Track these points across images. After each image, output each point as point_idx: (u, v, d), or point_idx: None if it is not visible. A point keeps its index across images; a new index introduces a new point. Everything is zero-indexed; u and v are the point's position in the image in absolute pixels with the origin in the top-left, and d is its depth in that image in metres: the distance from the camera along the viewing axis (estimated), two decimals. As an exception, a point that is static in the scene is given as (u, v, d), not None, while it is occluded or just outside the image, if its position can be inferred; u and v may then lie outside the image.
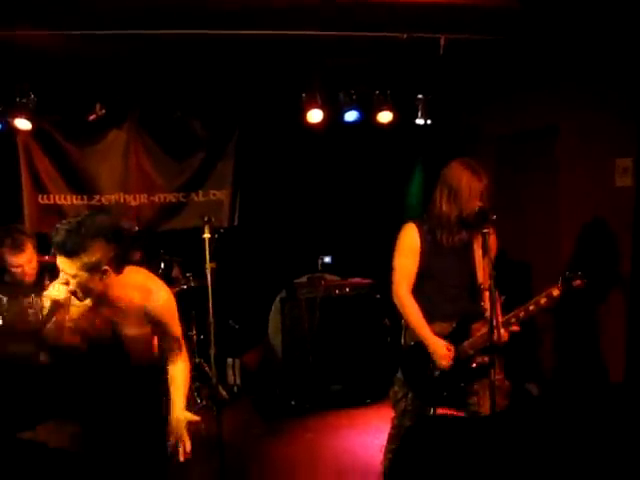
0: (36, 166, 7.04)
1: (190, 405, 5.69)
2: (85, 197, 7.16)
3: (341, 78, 6.67)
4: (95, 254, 3.05)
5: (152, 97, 6.88)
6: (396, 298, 3.90)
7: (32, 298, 4.03)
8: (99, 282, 3.14)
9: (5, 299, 3.76)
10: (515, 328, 3.67)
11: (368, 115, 6.89)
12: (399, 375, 3.98)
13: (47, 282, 4.32)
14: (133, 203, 7.18)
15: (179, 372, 3.54)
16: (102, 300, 3.26)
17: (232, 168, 7.40)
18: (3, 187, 6.98)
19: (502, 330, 3.53)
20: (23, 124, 6.45)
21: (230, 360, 6.90)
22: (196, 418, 3.45)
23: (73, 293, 3.15)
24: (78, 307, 3.29)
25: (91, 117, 6.62)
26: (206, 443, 5.53)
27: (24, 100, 6.32)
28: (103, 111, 6.60)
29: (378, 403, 6.26)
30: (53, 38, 4.71)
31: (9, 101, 6.35)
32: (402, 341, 4.02)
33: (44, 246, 5.52)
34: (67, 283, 3.12)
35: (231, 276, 5.57)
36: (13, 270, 4.68)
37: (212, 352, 4.73)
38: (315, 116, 6.74)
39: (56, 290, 3.16)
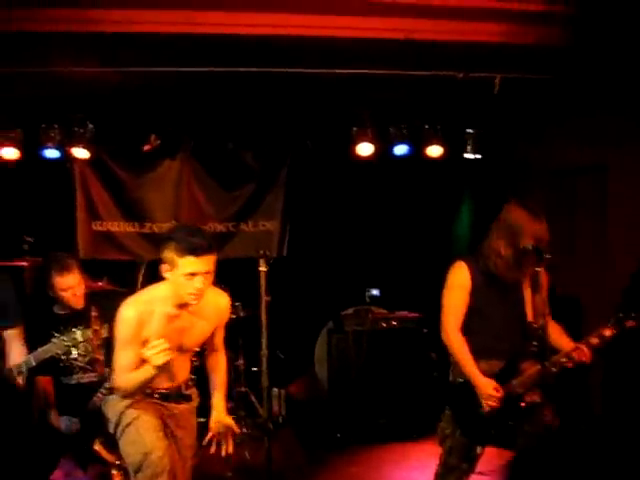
0: (91, 193, 7.21)
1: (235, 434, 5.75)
2: (137, 225, 7.29)
3: (391, 112, 6.72)
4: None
5: (205, 129, 7.02)
6: (445, 335, 3.89)
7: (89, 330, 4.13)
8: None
9: (79, 332, 3.86)
10: (568, 365, 3.66)
11: (418, 149, 6.93)
12: (447, 412, 3.96)
13: (94, 313, 4.42)
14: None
15: (221, 373, 3.92)
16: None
17: (282, 199, 7.47)
18: (58, 214, 7.17)
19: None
20: (81, 153, 6.65)
21: (275, 390, 6.89)
22: (234, 426, 3.80)
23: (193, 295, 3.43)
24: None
25: (146, 147, 6.79)
26: (250, 472, 5.57)
27: (82, 130, 6.52)
28: (158, 142, 6.77)
29: (424, 439, 6.18)
30: (111, 73, 4.84)
31: (68, 131, 6.54)
32: (450, 377, 4.01)
33: (95, 273, 5.67)
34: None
35: (277, 306, 5.60)
36: (62, 294, 4.75)
37: (265, 384, 4.74)
38: (365, 149, 6.79)
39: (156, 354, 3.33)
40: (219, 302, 3.77)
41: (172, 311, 3.51)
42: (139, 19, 3.64)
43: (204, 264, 3.37)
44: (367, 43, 4.24)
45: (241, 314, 6.28)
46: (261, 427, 6.36)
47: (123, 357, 3.46)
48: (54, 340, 3.82)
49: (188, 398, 3.80)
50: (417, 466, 5.59)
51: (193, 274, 3.36)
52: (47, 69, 4.56)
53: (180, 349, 3.60)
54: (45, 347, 3.80)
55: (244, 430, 6.16)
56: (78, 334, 3.85)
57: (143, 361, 3.36)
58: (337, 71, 4.83)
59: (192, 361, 3.95)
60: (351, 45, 4.27)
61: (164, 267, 3.45)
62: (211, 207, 7.35)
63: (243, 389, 6.46)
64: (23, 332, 3.97)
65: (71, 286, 4.74)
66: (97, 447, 4.47)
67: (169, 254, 3.38)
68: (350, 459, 5.95)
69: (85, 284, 4.94)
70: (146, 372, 3.38)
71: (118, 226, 7.29)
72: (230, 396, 6.25)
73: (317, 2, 3.84)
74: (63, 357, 4.52)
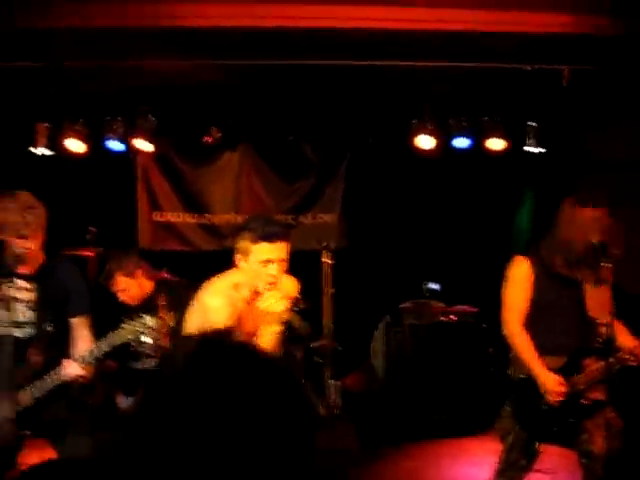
0: (152, 185, 7.34)
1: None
2: (197, 215, 7.40)
3: (451, 104, 6.66)
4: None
5: (265, 121, 7.06)
6: (507, 331, 3.85)
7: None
8: None
9: (148, 318, 3.93)
10: (632, 362, 3.59)
11: (478, 141, 6.85)
12: (507, 407, 3.91)
13: (161, 302, 4.51)
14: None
15: None
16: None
17: (341, 192, 7.47)
18: (120, 204, 7.31)
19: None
20: (143, 145, 6.76)
21: (332, 382, 6.91)
22: None
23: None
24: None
25: (207, 140, 6.86)
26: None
27: (145, 122, 6.63)
28: (219, 134, 6.83)
29: (482, 434, 6.12)
30: (179, 66, 4.91)
31: (131, 123, 6.66)
32: (510, 373, 3.96)
33: (156, 263, 5.77)
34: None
35: (335, 298, 5.63)
36: (118, 293, 4.93)
37: (327, 375, 4.76)
38: (425, 142, 6.74)
39: (275, 301, 3.51)
40: (289, 286, 3.80)
41: (248, 297, 3.58)
42: (206, 14, 3.69)
43: (278, 251, 3.45)
44: (431, 35, 4.20)
45: (300, 306, 6.28)
46: (317, 419, 6.39)
47: None
48: (124, 326, 3.89)
49: None
50: (475, 462, 5.54)
51: (268, 261, 3.44)
52: (114, 63, 4.64)
53: (251, 335, 3.63)
54: (116, 333, 3.87)
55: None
56: (147, 319, 3.91)
57: None
58: (399, 63, 4.80)
59: None
60: (414, 37, 4.24)
61: (237, 257, 3.52)
62: (271, 199, 7.41)
63: (302, 381, 6.48)
64: (91, 320, 4.07)
65: (127, 288, 4.90)
66: None
67: (244, 243, 3.47)
68: (406, 453, 5.92)
69: (149, 274, 5.06)
70: (267, 335, 3.50)
71: (178, 217, 7.41)
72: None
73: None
74: (133, 343, 4.62)
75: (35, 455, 3.66)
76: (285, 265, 3.54)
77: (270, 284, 3.49)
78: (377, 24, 3.97)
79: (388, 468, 5.64)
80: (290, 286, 3.84)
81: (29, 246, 3.84)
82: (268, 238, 3.42)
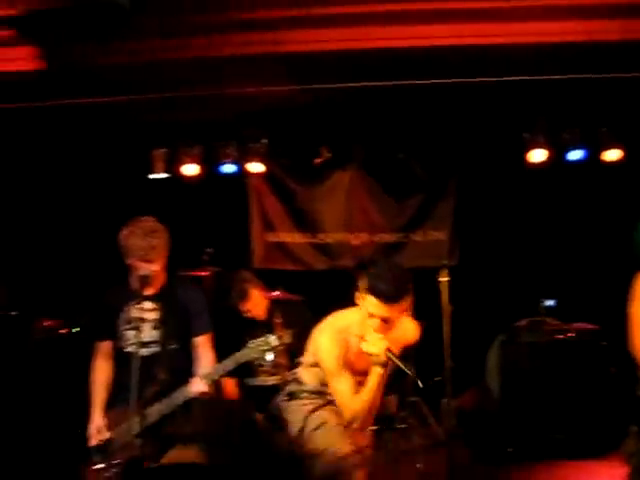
0: (265, 206, 7.51)
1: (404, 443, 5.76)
2: (309, 235, 7.50)
3: (564, 116, 6.51)
4: (410, 298, 3.44)
5: (374, 140, 7.10)
6: (634, 349, 3.71)
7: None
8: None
9: (273, 338, 4.03)
10: None
11: (594, 153, 6.66)
12: (634, 428, 3.77)
13: (277, 320, 4.62)
14: (354, 242, 7.40)
15: None
16: None
17: (452, 208, 7.40)
18: (233, 225, 7.51)
19: None
20: (256, 167, 6.93)
21: (445, 401, 6.83)
22: None
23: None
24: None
25: (318, 160, 6.97)
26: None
27: (257, 145, 6.81)
28: (329, 154, 6.93)
29: (603, 457, 5.90)
30: (285, 91, 5.02)
31: (243, 147, 6.86)
32: (638, 393, 3.81)
33: (270, 282, 5.90)
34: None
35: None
36: (244, 315, 5.09)
37: (448, 396, 4.70)
38: (538, 156, 6.62)
39: (376, 346, 3.42)
40: (409, 332, 3.79)
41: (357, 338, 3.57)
42: (315, 38, 3.76)
43: (383, 310, 3.37)
44: (546, 47, 4.13)
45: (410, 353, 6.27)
46: (432, 438, 6.34)
47: (341, 384, 3.55)
48: (250, 345, 3.98)
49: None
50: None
51: (372, 315, 3.40)
52: (225, 91, 4.80)
53: (363, 374, 3.62)
54: (242, 352, 3.97)
55: (417, 441, 6.15)
56: (272, 339, 3.99)
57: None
58: (512, 79, 4.74)
59: None
60: (526, 51, 4.18)
61: (356, 294, 3.54)
62: (381, 217, 7.42)
63: (415, 399, 6.44)
64: (213, 339, 4.21)
65: (249, 310, 5.07)
66: None
67: (362, 285, 3.45)
68: (525, 474, 5.78)
69: (265, 294, 5.21)
70: (373, 377, 3.43)
71: (290, 237, 7.53)
72: (402, 405, 6.29)
73: (494, 10, 3.79)
74: (255, 361, 4.74)
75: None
76: (392, 324, 3.46)
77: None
78: (491, 40, 3.94)
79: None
80: (410, 332, 3.81)
81: (154, 269, 4.02)
82: (375, 294, 3.37)
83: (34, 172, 7.03)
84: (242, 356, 3.93)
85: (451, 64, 4.63)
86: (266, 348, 3.97)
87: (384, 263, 3.92)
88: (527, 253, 7.28)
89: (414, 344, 3.95)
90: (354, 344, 3.60)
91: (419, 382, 3.61)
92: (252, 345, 3.96)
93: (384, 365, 3.42)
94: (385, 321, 3.40)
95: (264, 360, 4.86)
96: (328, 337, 3.61)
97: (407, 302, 3.43)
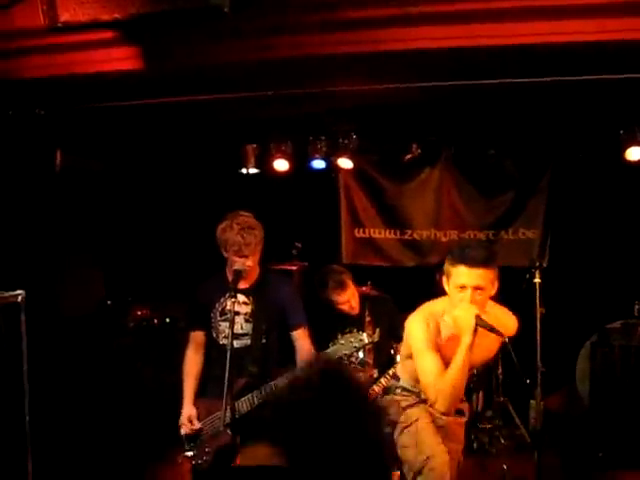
0: (354, 202, 7.57)
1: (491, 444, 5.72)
2: (398, 232, 7.51)
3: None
4: (497, 270, 3.46)
5: (464, 137, 7.04)
6: None
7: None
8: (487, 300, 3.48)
9: (365, 335, 4.08)
10: None
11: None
12: None
13: (368, 318, 4.65)
14: (443, 239, 7.36)
15: None
16: None
17: (544, 207, 7.24)
18: (322, 220, 7.59)
19: None
20: (345, 163, 6.98)
21: (533, 402, 6.74)
22: None
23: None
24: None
25: (407, 157, 6.96)
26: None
27: (346, 141, 6.85)
28: (419, 151, 6.91)
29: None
30: (379, 89, 5.04)
31: (333, 143, 6.91)
32: None
33: (357, 279, 5.93)
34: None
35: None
36: (340, 307, 5.11)
37: (537, 398, 4.63)
38: (635, 154, 6.43)
39: (464, 310, 3.40)
40: (508, 324, 3.71)
41: (450, 325, 3.54)
42: (406, 37, 3.77)
43: (474, 277, 3.35)
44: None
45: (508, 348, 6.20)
46: (518, 439, 6.27)
47: (427, 362, 3.51)
48: (342, 342, 4.03)
49: (460, 412, 3.81)
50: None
51: (463, 286, 3.37)
52: (320, 89, 4.86)
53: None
54: (335, 347, 4.03)
55: (502, 441, 6.10)
56: (364, 337, 4.04)
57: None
58: (607, 77, 4.62)
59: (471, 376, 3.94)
60: (622, 48, 4.06)
61: (443, 279, 3.53)
62: (471, 215, 7.35)
63: (502, 399, 6.39)
64: (310, 331, 4.28)
65: (348, 300, 5.09)
66: None
67: (446, 265, 3.47)
68: (613, 481, 5.67)
69: (357, 288, 5.24)
70: (461, 348, 3.38)
71: (379, 233, 7.56)
72: (488, 405, 6.25)
73: (587, 5, 3.71)
74: (344, 357, 4.78)
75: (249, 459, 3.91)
76: (485, 294, 3.43)
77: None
78: (585, 37, 3.84)
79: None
80: (510, 323, 3.73)
81: (248, 264, 4.12)
82: (464, 261, 3.35)
83: (135, 167, 7.28)
84: (334, 351, 3.98)
85: (543, 61, 4.54)
86: (357, 345, 4.01)
87: (467, 240, 3.97)
88: (621, 253, 7.08)
89: (513, 335, 3.88)
90: (444, 329, 3.58)
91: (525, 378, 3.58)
92: (344, 342, 4.00)
93: (473, 332, 3.34)
94: (477, 289, 3.36)
95: (354, 357, 4.88)
96: (417, 320, 3.60)
97: (495, 272, 3.42)
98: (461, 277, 3.38)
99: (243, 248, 4.08)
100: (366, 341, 4.04)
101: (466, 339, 3.37)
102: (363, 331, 4.43)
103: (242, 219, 4.18)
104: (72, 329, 6.26)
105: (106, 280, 7.23)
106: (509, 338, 3.49)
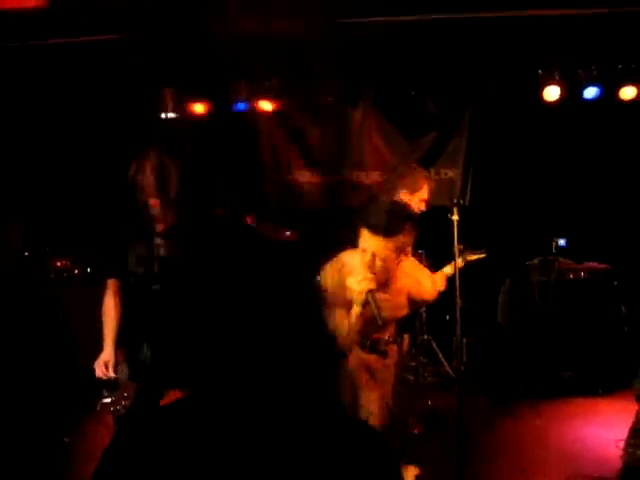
0: (276, 145, 7.46)
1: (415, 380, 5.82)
2: (320, 174, 7.46)
3: (579, 53, 6.39)
4: (407, 236, 3.24)
5: (386, 77, 6.99)
6: None
7: None
8: (397, 265, 3.34)
9: None
10: None
11: (610, 91, 6.55)
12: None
13: None
14: (366, 181, 7.37)
15: None
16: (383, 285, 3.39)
17: (465, 146, 7.32)
18: (245, 167, 7.49)
19: None
20: (266, 106, 6.86)
21: (457, 339, 6.87)
22: None
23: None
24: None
25: (328, 98, 6.89)
26: (433, 419, 5.63)
27: (267, 83, 6.73)
28: (340, 93, 6.85)
29: (611, 394, 5.96)
30: (296, 28, 4.94)
31: (254, 85, 6.78)
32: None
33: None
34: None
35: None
36: None
37: (458, 333, 4.65)
38: (552, 93, 6.52)
39: (358, 284, 3.26)
40: (426, 287, 3.70)
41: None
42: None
43: (373, 243, 3.23)
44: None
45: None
46: (443, 375, 6.41)
47: (331, 318, 3.45)
48: None
49: (384, 354, 3.80)
50: (604, 421, 5.42)
51: (364, 250, 3.28)
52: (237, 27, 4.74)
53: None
54: None
55: (427, 378, 6.23)
56: None
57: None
58: (526, 14, 4.62)
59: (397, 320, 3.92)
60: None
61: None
62: (393, 156, 7.36)
63: (425, 337, 6.50)
64: None
65: None
66: None
67: (358, 220, 3.33)
68: (534, 411, 5.83)
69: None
70: (351, 315, 3.34)
71: (303, 176, 7.49)
72: (413, 343, 6.35)
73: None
74: None
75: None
76: (389, 262, 3.29)
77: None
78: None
79: (515, 426, 5.58)
80: (428, 287, 3.72)
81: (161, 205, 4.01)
82: (366, 225, 3.23)
83: (46, 110, 6.99)
84: None
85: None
86: None
87: (380, 200, 3.77)
88: (540, 192, 7.23)
89: (431, 300, 3.89)
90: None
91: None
92: None
93: (362, 305, 3.26)
94: (380, 259, 3.26)
95: None
96: (326, 273, 3.55)
97: (402, 241, 3.24)
98: (363, 240, 3.27)
99: (155, 188, 3.96)
100: None
101: (356, 308, 3.33)
102: None
103: (153, 160, 4.04)
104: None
105: (24, 233, 7.02)
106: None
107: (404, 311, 3.70)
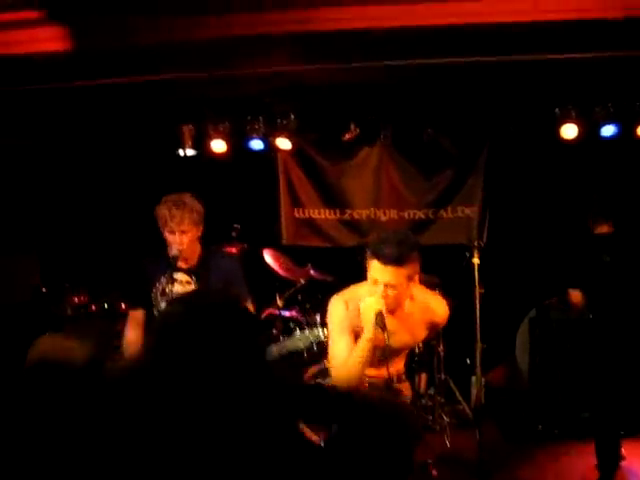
0: (293, 182, 7.52)
1: (434, 421, 5.76)
2: (338, 211, 7.49)
3: (597, 91, 6.39)
4: (416, 265, 3.35)
5: (403, 116, 7.03)
6: None
7: None
8: (408, 293, 3.44)
9: (322, 330, 3.99)
10: None
11: (628, 129, 6.54)
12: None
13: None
14: (383, 218, 7.37)
15: None
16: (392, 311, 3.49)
17: (482, 184, 7.29)
18: (263, 202, 7.52)
19: None
20: (284, 143, 6.91)
21: (474, 378, 6.81)
22: None
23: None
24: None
25: (346, 136, 6.93)
26: (451, 459, 5.56)
27: (285, 121, 6.78)
28: (357, 130, 6.88)
29: (633, 437, 5.85)
30: (316, 70, 4.99)
31: (272, 123, 6.83)
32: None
33: (299, 259, 5.88)
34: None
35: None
36: None
37: (478, 374, 4.63)
38: (570, 132, 6.52)
39: (368, 305, 3.36)
40: (434, 311, 3.72)
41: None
42: (342, 16, 3.73)
43: (386, 274, 3.32)
44: (579, 24, 4.03)
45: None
46: (461, 415, 6.34)
47: (337, 346, 3.51)
48: (299, 335, 3.91)
49: (396, 392, 3.79)
50: (625, 465, 5.31)
51: (375, 281, 3.35)
52: (253, 70, 4.79)
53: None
54: (291, 341, 3.91)
55: (445, 418, 6.16)
56: (321, 332, 3.93)
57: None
58: (548, 57, 4.63)
59: (407, 356, 3.92)
60: (561, 27, 4.09)
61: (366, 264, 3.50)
62: (410, 194, 7.37)
63: (443, 376, 6.44)
64: (255, 307, 4.19)
65: None
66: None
67: (367, 253, 3.41)
68: (552, 453, 5.75)
69: (296, 273, 5.16)
70: (362, 339, 3.37)
71: (319, 213, 7.52)
72: (431, 382, 6.29)
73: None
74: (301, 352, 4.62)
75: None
76: (398, 291, 3.39)
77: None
78: (521, 17, 3.86)
79: (533, 467, 5.50)
80: (439, 311, 3.74)
81: (183, 241, 4.05)
82: (378, 257, 3.31)
83: (68, 151, 7.08)
84: (291, 344, 3.87)
85: (480, 41, 4.55)
86: (314, 340, 3.90)
87: (388, 231, 3.84)
88: (558, 230, 7.18)
89: (442, 324, 3.90)
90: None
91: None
92: (300, 336, 3.88)
93: (380, 327, 3.32)
94: (390, 287, 3.33)
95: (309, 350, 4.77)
96: (336, 302, 3.57)
97: (412, 269, 3.35)
98: (374, 272, 3.36)
99: (169, 221, 4.02)
100: (322, 338, 3.96)
101: (366, 333, 3.38)
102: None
103: (174, 196, 4.15)
104: (6, 317, 6.10)
105: (42, 266, 7.05)
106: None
107: (413, 338, 3.71)
